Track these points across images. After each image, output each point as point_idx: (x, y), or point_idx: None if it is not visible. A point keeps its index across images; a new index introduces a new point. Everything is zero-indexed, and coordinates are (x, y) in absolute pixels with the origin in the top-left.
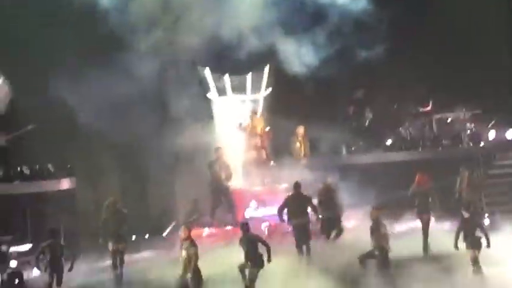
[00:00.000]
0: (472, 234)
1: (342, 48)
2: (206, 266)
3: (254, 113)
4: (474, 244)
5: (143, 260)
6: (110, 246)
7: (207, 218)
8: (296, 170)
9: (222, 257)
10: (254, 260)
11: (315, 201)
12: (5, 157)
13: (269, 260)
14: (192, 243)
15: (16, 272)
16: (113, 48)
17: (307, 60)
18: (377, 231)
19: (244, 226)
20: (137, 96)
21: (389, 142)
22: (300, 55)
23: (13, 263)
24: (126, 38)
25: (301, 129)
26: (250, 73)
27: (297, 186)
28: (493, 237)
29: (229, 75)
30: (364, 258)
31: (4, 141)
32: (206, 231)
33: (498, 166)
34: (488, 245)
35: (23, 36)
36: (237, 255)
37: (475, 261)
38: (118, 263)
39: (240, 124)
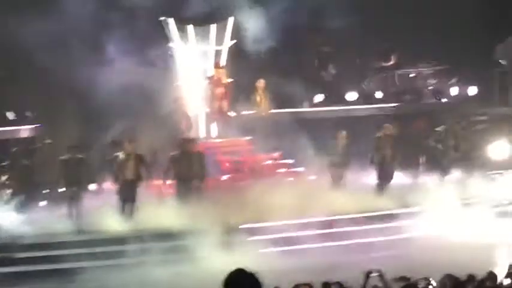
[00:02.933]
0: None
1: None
2: (166, 217)
3: (218, 64)
4: None
5: None
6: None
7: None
8: (257, 122)
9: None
10: None
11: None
12: None
13: None
14: None
15: None
16: None
17: (271, 17)
18: None
19: None
20: (98, 43)
21: (353, 97)
22: (263, 12)
23: None
24: None
25: (262, 83)
26: (215, 24)
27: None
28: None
29: (193, 25)
30: None
31: None
32: (167, 182)
33: (459, 123)
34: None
35: None
36: (197, 206)
37: None
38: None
39: (207, 75)
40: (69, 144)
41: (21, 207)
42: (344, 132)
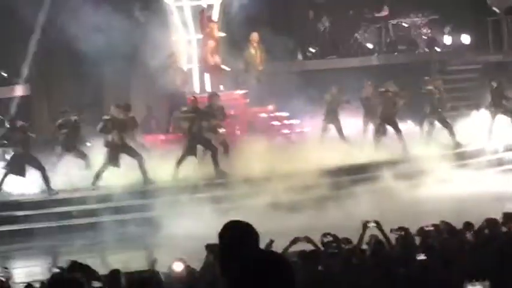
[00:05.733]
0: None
1: None
2: (162, 172)
3: (210, 18)
4: None
5: None
6: None
7: (163, 124)
8: (251, 76)
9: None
10: None
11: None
12: None
13: None
14: None
15: None
16: None
17: None
18: None
19: None
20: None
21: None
22: None
23: None
24: None
25: (255, 36)
26: None
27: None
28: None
29: None
30: None
31: None
32: (162, 137)
33: (454, 71)
34: None
35: None
36: (191, 161)
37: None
38: None
39: (200, 30)
40: (61, 110)
41: (22, 166)
42: (335, 88)
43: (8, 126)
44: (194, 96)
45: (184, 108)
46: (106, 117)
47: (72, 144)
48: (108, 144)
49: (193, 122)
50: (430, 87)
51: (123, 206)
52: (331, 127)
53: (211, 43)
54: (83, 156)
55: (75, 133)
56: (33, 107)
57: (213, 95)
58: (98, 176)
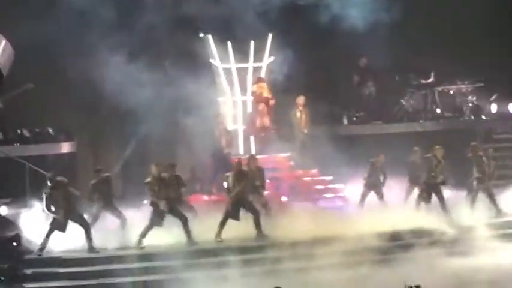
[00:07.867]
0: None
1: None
2: (204, 233)
3: (260, 79)
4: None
5: None
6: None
7: (207, 186)
8: (296, 139)
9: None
10: None
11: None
12: (3, 119)
13: None
14: None
15: (15, 235)
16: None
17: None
18: None
19: None
20: (141, 59)
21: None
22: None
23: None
24: None
25: (301, 99)
26: (253, 41)
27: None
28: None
29: (232, 42)
30: None
31: (0, 102)
32: (205, 198)
33: (500, 140)
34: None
35: None
36: (234, 222)
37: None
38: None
39: (250, 91)
40: (96, 168)
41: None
42: (382, 156)
43: (50, 183)
44: (239, 158)
45: (228, 173)
46: (148, 179)
47: (108, 202)
48: (153, 204)
49: (236, 185)
50: (480, 154)
51: (163, 266)
52: (372, 193)
53: (261, 104)
54: (119, 214)
55: (109, 190)
56: (78, 163)
57: (251, 157)
58: (143, 236)
